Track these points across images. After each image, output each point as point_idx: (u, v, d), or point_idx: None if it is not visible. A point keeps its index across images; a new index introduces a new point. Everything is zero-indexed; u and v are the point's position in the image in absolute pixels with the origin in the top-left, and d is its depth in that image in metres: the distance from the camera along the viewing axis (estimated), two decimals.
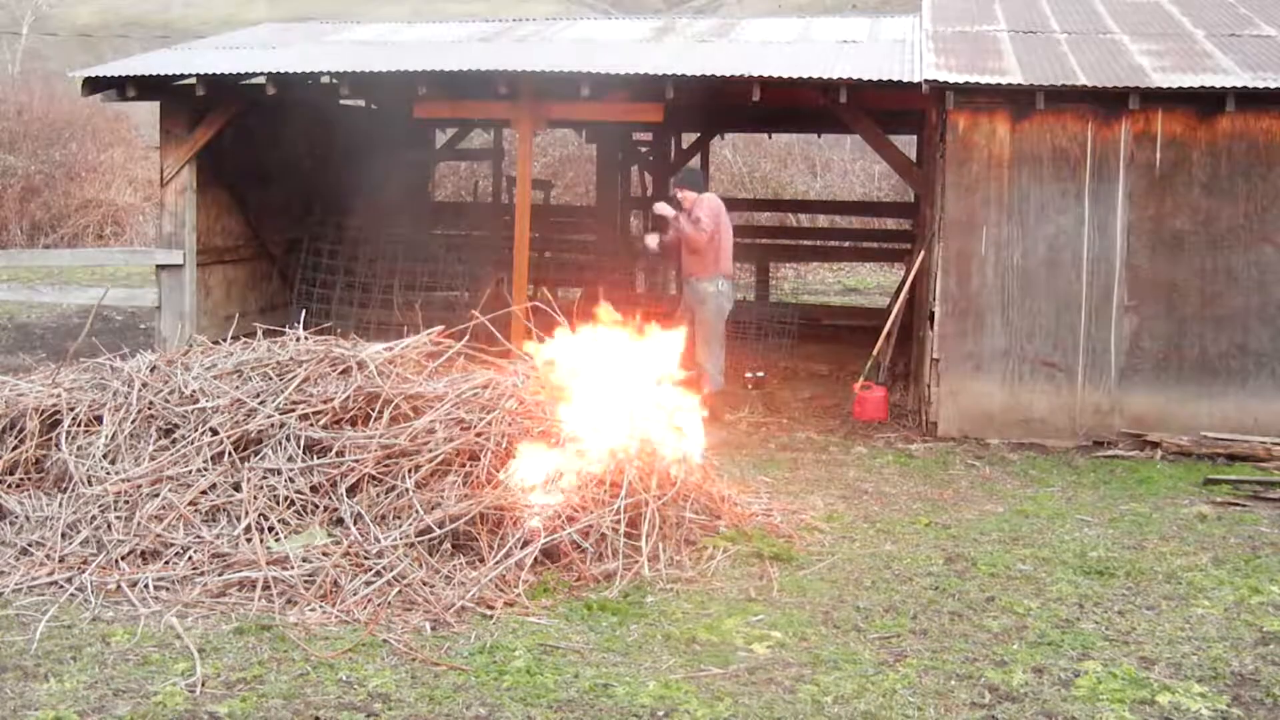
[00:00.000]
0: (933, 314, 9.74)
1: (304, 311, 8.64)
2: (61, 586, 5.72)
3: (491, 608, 5.56)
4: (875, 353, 10.56)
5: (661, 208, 10.35)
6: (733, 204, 19.23)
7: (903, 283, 11.40)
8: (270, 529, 6.04)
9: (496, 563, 5.83)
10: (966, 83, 9.42)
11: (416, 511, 6.02)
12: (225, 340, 7.73)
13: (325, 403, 6.59)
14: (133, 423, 6.68)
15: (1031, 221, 9.54)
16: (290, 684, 4.79)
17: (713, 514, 6.82)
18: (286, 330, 7.53)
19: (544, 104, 10.91)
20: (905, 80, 9.82)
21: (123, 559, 5.87)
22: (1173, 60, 9.94)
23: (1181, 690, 4.91)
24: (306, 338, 7.36)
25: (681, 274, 10.88)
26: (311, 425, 6.50)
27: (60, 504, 6.31)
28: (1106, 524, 7.33)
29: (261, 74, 10.91)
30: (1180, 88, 9.24)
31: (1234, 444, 9.02)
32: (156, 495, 6.19)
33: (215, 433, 6.51)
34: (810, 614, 5.69)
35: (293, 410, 6.56)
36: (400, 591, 5.62)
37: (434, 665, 4.99)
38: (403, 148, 14.40)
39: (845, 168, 25.01)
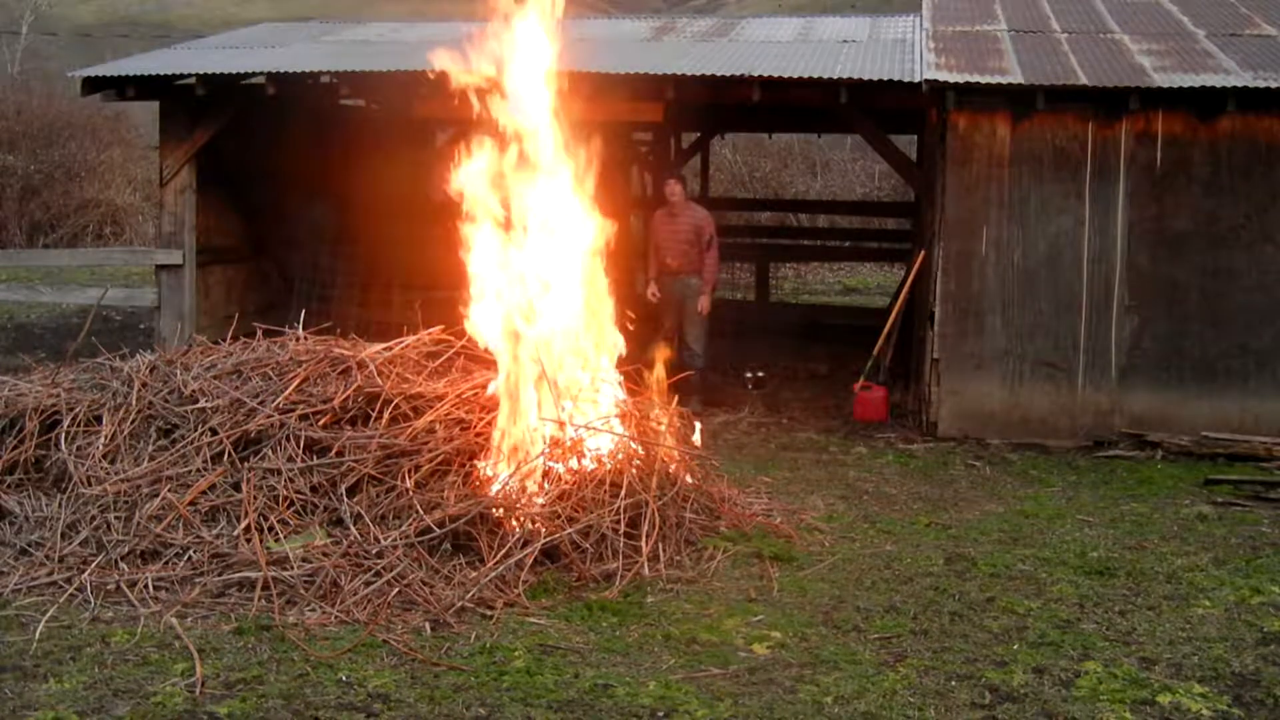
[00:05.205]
0: (933, 314, 9.73)
1: (304, 311, 8.61)
2: (61, 587, 5.71)
3: (491, 608, 5.55)
4: (875, 353, 10.55)
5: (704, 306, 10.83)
6: (733, 204, 19.34)
7: (903, 283, 11.38)
8: (270, 529, 6.03)
9: (496, 563, 5.82)
10: (967, 82, 9.41)
11: (416, 511, 6.01)
12: (225, 340, 7.72)
13: (325, 403, 6.59)
14: (132, 423, 6.67)
15: (1032, 221, 9.53)
16: (290, 684, 4.78)
17: (713, 514, 6.81)
18: (286, 330, 7.52)
19: None
20: (905, 80, 9.81)
21: (122, 559, 5.86)
22: (1173, 60, 9.93)
23: (1182, 690, 4.90)
24: (306, 338, 7.36)
25: (665, 273, 10.85)
26: (311, 425, 6.50)
27: (60, 504, 6.30)
28: (1107, 524, 7.32)
29: (261, 74, 10.90)
30: (1181, 88, 9.22)
31: (1235, 444, 9.00)
32: (156, 495, 6.18)
33: (215, 433, 6.50)
34: (810, 614, 5.68)
35: (292, 410, 6.55)
36: (400, 592, 5.61)
37: (434, 665, 4.98)
38: (403, 147, 14.37)
39: (845, 168, 25.01)
